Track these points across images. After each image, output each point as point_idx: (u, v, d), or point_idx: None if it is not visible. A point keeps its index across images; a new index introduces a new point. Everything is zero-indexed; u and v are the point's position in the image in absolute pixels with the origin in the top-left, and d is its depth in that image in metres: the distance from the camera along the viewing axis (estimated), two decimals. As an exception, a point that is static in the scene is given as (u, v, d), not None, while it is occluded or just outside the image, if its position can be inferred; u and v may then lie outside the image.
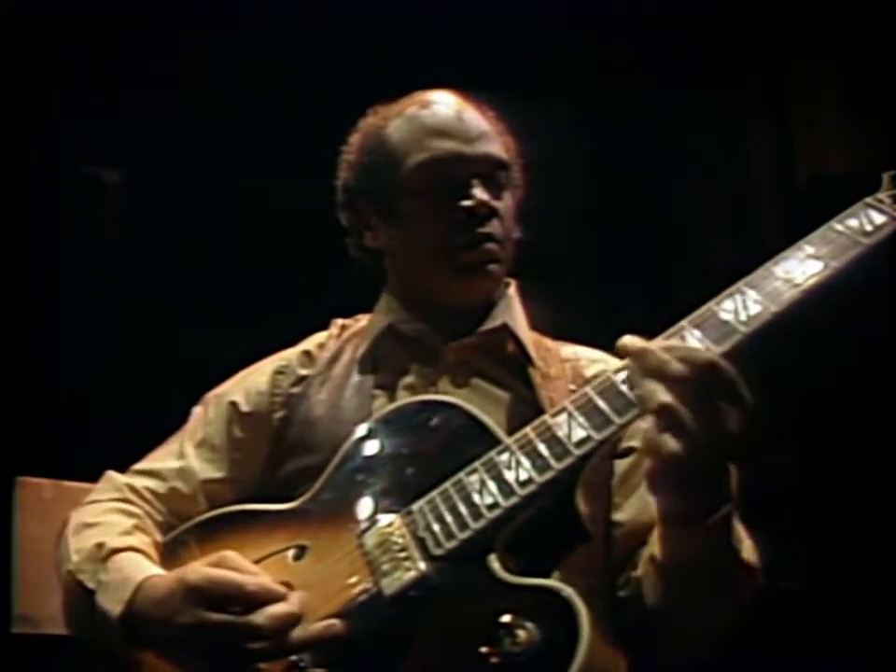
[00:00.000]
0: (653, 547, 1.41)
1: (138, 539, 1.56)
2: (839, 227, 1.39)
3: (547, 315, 1.80)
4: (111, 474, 1.70)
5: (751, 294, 1.35)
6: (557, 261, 2.81)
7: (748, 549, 1.41)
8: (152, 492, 1.66)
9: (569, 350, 1.76)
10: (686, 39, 3.02)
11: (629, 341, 1.27)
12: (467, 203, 1.66)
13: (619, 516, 1.60)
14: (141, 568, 1.47)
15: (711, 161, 3.15)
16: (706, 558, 1.32)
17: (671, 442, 1.18)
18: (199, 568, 1.36)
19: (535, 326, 1.78)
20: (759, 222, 3.13)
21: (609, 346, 1.43)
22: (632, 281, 3.06)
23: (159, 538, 1.60)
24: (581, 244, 3.06)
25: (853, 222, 1.39)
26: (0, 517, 1.88)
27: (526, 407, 1.48)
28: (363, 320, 1.83)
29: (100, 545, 1.51)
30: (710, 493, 1.25)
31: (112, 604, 1.42)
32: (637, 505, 1.59)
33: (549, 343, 1.77)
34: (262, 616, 1.30)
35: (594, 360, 1.72)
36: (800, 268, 1.36)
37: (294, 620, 1.31)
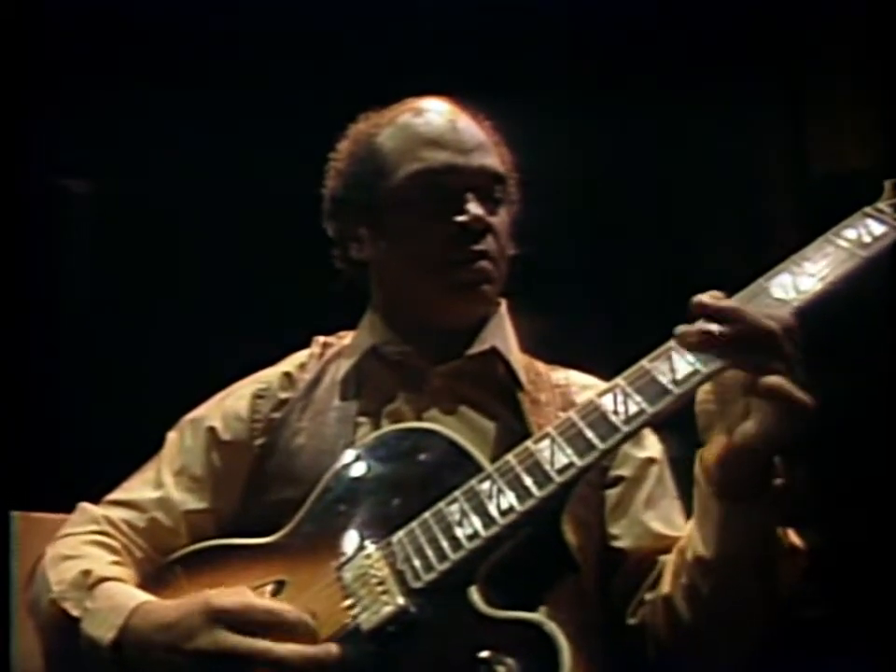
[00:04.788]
0: (695, 550, 1.42)
1: (125, 573, 1.57)
2: (836, 239, 1.41)
3: (543, 336, 1.79)
4: (85, 506, 1.69)
5: None
6: (555, 277, 2.79)
7: (791, 533, 1.43)
8: (130, 525, 1.65)
9: (561, 375, 1.77)
10: (697, 38, 2.99)
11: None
12: (461, 217, 1.65)
13: (620, 544, 1.62)
14: (134, 595, 1.47)
15: (722, 165, 3.11)
16: (761, 540, 1.36)
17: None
18: (224, 593, 1.36)
19: (526, 348, 1.79)
20: (772, 228, 3.08)
21: (611, 368, 1.44)
22: (638, 295, 3.03)
23: (138, 578, 1.58)
24: (581, 257, 3.03)
25: (851, 233, 1.40)
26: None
27: (515, 436, 1.49)
28: (346, 338, 1.83)
29: (86, 572, 1.50)
30: (771, 468, 1.34)
31: (102, 630, 1.40)
32: (635, 531, 1.62)
33: (540, 366, 1.78)
34: (289, 650, 1.28)
35: (585, 387, 1.73)
36: (793, 284, 1.37)
37: (320, 667, 1.29)
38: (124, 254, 3.05)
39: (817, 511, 1.47)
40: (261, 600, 1.37)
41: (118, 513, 1.66)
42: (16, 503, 1.80)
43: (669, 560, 1.52)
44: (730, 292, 1.38)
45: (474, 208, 1.66)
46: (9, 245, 1.89)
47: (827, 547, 1.50)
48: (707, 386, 1.34)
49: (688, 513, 1.60)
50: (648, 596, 1.55)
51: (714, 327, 1.29)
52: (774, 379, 1.25)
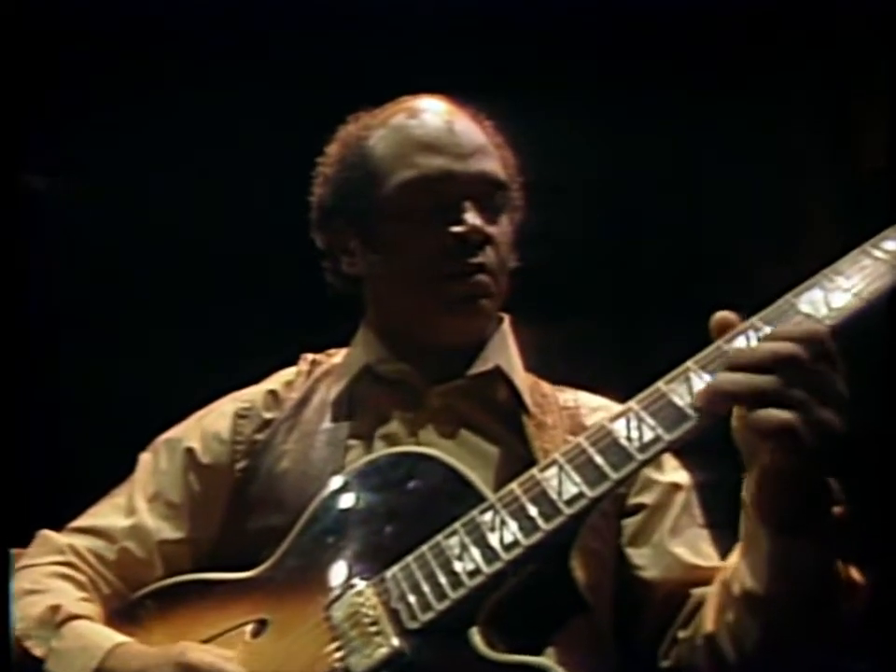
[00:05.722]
0: (743, 583, 1.31)
1: (93, 610, 1.48)
2: (874, 251, 1.31)
3: (549, 355, 1.70)
4: (47, 534, 1.60)
5: (767, 332, 1.25)
6: (561, 291, 2.69)
7: (851, 567, 1.32)
8: (98, 556, 1.55)
9: (569, 396, 1.69)
10: (729, 32, 2.89)
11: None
12: (457, 228, 1.57)
13: (646, 575, 1.53)
14: (108, 635, 1.41)
15: (751, 170, 3.00)
16: (815, 573, 1.25)
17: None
18: (202, 648, 1.32)
19: (530, 367, 1.70)
20: (785, 231, 2.97)
21: (623, 389, 1.35)
22: (653, 312, 2.93)
23: (105, 616, 1.49)
24: (591, 271, 2.93)
25: (890, 245, 1.30)
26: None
27: (519, 463, 1.42)
28: (336, 356, 1.75)
29: (55, 608, 1.43)
30: (822, 495, 1.22)
31: None
32: (663, 561, 1.53)
33: (546, 387, 1.70)
34: None
35: (595, 409, 1.65)
36: (825, 300, 1.27)
37: None
38: (119, 255, 2.96)
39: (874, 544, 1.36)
40: (236, 667, 1.29)
41: (84, 542, 1.57)
42: (16, 541, 1.69)
43: (709, 594, 1.42)
44: (742, 295, 1.30)
45: (472, 218, 1.57)
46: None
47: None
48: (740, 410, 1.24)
49: (718, 543, 1.53)
50: (681, 635, 1.45)
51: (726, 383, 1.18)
52: (761, 415, 1.13)
